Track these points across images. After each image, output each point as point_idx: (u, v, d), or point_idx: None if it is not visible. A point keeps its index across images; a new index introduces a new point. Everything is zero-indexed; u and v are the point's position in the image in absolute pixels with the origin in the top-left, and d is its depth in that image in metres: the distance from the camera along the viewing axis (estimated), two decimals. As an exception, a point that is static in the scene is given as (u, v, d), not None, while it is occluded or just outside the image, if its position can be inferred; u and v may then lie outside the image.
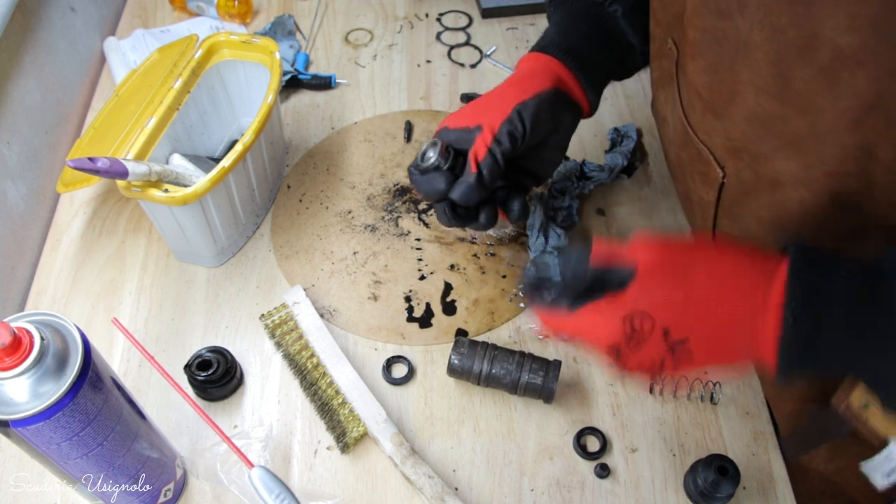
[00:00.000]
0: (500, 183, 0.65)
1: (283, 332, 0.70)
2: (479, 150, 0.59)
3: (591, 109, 0.65)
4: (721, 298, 0.43)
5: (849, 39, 0.38)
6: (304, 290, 0.72)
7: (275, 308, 0.71)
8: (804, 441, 0.63)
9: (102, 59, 1.00)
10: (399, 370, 0.69)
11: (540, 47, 0.64)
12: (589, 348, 0.47)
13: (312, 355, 0.68)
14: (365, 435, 0.64)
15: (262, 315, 0.71)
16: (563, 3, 0.67)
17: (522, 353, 0.65)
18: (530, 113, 0.59)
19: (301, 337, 0.69)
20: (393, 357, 0.69)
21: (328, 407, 0.65)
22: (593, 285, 0.47)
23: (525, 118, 0.59)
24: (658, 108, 0.65)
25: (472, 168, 0.58)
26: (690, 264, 0.45)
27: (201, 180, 0.66)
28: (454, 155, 0.60)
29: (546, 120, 0.60)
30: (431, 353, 0.71)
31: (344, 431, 0.64)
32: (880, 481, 0.47)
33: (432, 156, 0.59)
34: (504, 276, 0.76)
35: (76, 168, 0.59)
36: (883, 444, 0.54)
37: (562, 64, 0.63)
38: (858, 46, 0.38)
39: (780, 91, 0.44)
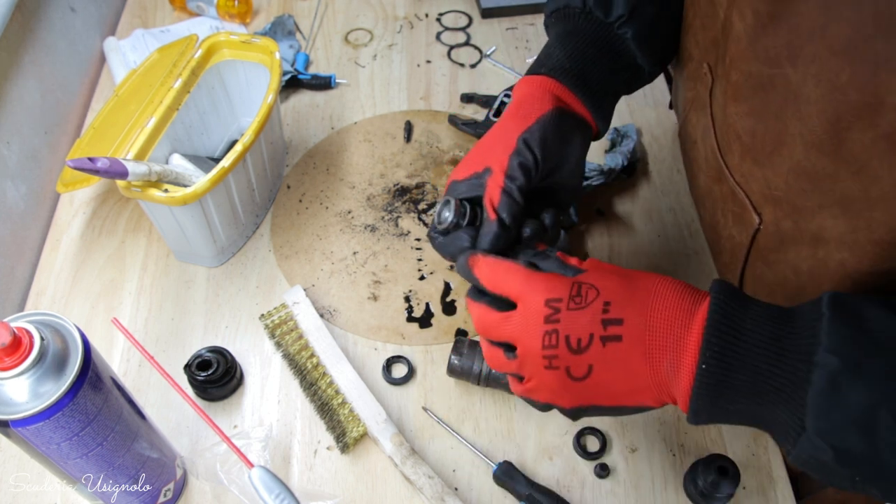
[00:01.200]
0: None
1: (282, 332, 0.70)
2: (493, 194, 0.54)
3: (601, 132, 0.61)
4: (656, 304, 0.43)
5: None
6: (304, 290, 0.72)
7: (275, 308, 0.71)
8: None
9: (102, 59, 1.00)
10: (399, 370, 0.69)
11: (546, 70, 0.58)
12: (526, 307, 0.45)
13: (312, 355, 0.68)
14: (365, 435, 0.64)
15: (262, 315, 0.71)
16: (566, 19, 0.62)
17: (522, 353, 0.65)
18: (537, 139, 0.54)
19: (301, 337, 0.69)
20: (393, 357, 0.69)
21: (328, 407, 0.65)
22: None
23: (533, 146, 0.54)
24: (689, 129, 0.62)
25: (490, 215, 0.54)
26: (633, 275, 0.46)
27: (201, 180, 0.66)
28: (470, 207, 0.55)
29: (555, 143, 0.56)
30: (431, 353, 0.71)
31: (344, 431, 0.64)
32: None
33: (448, 215, 0.55)
34: (504, 276, 0.76)
35: (76, 168, 0.59)
36: None
37: (558, 83, 0.58)
38: None
39: (834, 150, 0.42)
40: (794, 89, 0.43)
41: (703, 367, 0.40)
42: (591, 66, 0.59)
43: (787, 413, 0.38)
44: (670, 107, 0.88)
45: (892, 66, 0.37)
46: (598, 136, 0.61)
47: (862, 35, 0.38)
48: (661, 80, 0.95)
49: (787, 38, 0.43)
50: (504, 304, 0.47)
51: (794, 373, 0.38)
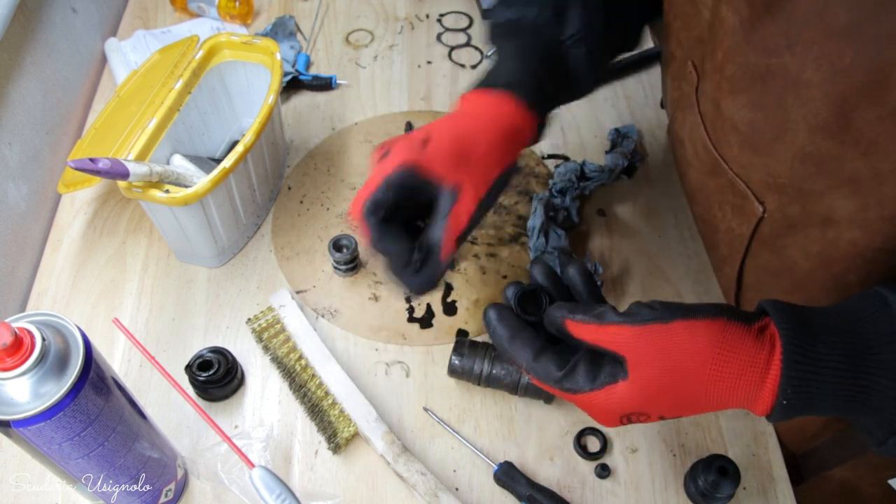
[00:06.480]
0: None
1: (269, 336, 0.70)
2: (459, 222, 0.51)
3: (533, 142, 0.59)
4: (712, 391, 0.43)
5: None
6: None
7: (261, 312, 0.71)
8: (830, 458, 0.63)
9: (103, 60, 1.00)
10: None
11: (505, 82, 0.56)
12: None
13: (301, 357, 0.68)
14: (356, 434, 0.64)
15: (249, 319, 0.71)
16: (518, 34, 0.59)
17: (523, 354, 0.65)
18: (501, 186, 0.54)
19: (289, 339, 0.69)
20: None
21: (318, 408, 0.65)
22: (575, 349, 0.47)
23: (496, 191, 0.53)
24: (676, 129, 0.62)
25: (445, 251, 0.50)
26: (679, 355, 0.43)
27: (202, 181, 0.66)
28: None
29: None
30: (432, 353, 0.71)
31: (335, 431, 0.64)
32: None
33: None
34: (505, 277, 0.76)
35: (77, 168, 0.59)
36: None
37: (515, 99, 0.55)
38: None
39: (840, 131, 0.42)
40: (794, 76, 0.43)
41: (784, 402, 0.40)
42: (546, 81, 0.57)
43: (874, 422, 0.40)
44: (662, 105, 0.88)
45: None
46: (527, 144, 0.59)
47: (862, 16, 0.38)
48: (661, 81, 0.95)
49: (784, 26, 0.43)
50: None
51: (880, 391, 0.39)
